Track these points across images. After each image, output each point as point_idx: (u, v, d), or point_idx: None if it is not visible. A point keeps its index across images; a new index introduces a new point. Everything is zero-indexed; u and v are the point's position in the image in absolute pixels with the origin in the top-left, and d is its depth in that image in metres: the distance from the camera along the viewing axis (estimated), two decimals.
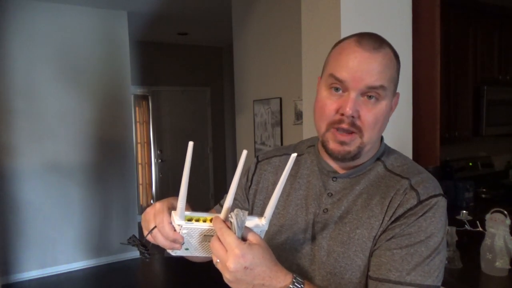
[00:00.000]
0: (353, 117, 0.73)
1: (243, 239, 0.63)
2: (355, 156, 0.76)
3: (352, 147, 0.75)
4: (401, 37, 1.67)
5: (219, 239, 0.63)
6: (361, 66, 0.72)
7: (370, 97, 0.73)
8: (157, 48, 5.60)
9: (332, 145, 0.76)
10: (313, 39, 1.69)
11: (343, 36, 1.32)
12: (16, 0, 3.69)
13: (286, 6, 2.79)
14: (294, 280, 0.65)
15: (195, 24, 4.72)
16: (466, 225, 1.68)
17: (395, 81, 0.78)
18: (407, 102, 1.70)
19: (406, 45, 1.68)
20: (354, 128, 0.74)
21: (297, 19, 1.93)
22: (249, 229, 0.65)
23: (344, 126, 0.74)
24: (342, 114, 0.73)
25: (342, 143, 0.75)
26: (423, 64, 1.72)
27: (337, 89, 0.75)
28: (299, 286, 0.65)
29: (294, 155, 0.65)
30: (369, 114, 0.73)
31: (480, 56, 2.75)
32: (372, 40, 0.74)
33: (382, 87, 0.73)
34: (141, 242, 0.72)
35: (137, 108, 5.64)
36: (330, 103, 0.75)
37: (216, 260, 0.64)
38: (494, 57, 2.86)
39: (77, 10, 3.95)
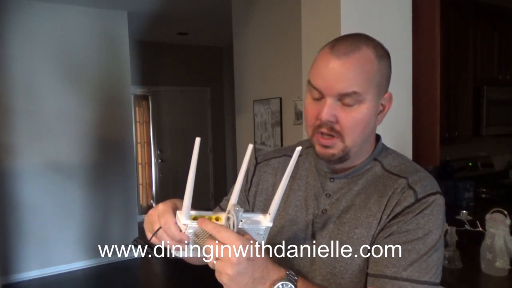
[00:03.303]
0: (331, 121, 0.74)
1: None
2: (341, 158, 0.78)
3: (335, 150, 0.77)
4: (401, 37, 1.67)
5: (213, 238, 0.63)
6: (331, 74, 0.73)
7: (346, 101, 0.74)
8: (157, 48, 5.60)
9: (318, 148, 0.79)
10: (313, 39, 1.69)
11: None
12: (16, 0, 3.69)
13: (286, 6, 2.79)
14: (287, 273, 0.67)
15: (195, 24, 4.72)
16: (466, 225, 1.68)
17: (377, 83, 0.75)
18: (407, 102, 1.70)
19: (406, 45, 1.68)
20: (334, 132, 0.75)
21: (297, 19, 1.93)
22: (242, 230, 0.66)
23: (324, 130, 0.75)
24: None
25: (325, 146, 0.77)
26: (423, 64, 1.72)
27: (316, 96, 0.76)
28: (294, 278, 0.67)
29: (299, 148, 0.66)
30: (347, 118, 0.74)
31: (480, 56, 2.75)
32: (346, 45, 0.74)
33: (355, 93, 0.72)
34: (146, 242, 0.72)
35: (137, 108, 5.64)
36: (311, 109, 0.77)
37: (213, 262, 0.64)
38: (494, 57, 2.86)
39: (77, 10, 3.95)
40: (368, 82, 0.73)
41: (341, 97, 0.73)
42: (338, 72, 0.72)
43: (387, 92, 0.79)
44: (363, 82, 0.73)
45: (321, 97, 0.75)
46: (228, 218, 0.64)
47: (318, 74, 0.75)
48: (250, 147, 0.64)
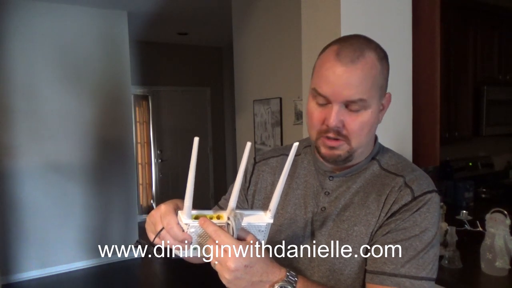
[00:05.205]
0: (339, 127, 0.75)
1: (239, 239, 0.65)
2: (346, 159, 0.79)
3: (341, 151, 0.78)
4: (401, 37, 1.67)
5: (214, 241, 0.64)
6: (339, 81, 0.73)
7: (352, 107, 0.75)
8: (157, 48, 5.61)
9: (323, 150, 0.79)
10: (313, 39, 1.69)
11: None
12: (16, 0, 3.69)
13: (286, 6, 2.79)
14: (288, 274, 0.67)
15: (195, 24, 4.72)
16: (466, 225, 1.68)
17: (380, 85, 0.77)
18: (407, 102, 1.70)
19: (406, 45, 1.68)
20: (341, 136, 0.76)
21: (297, 19, 1.93)
22: (244, 230, 0.67)
23: (331, 135, 0.76)
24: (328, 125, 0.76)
25: (331, 148, 0.78)
26: (423, 64, 1.72)
27: (322, 102, 0.77)
28: (293, 279, 0.67)
29: (296, 144, 0.67)
30: (353, 123, 0.75)
31: (480, 56, 2.75)
32: (351, 50, 0.73)
33: (361, 100, 0.73)
34: (149, 243, 0.72)
35: (137, 108, 5.64)
36: (316, 114, 0.78)
37: (214, 262, 0.65)
38: (494, 57, 2.85)
39: (77, 10, 3.95)
40: (373, 87, 0.75)
41: (347, 104, 0.74)
42: (345, 80, 0.72)
43: (387, 93, 0.81)
44: (369, 89, 0.74)
45: (327, 103, 0.76)
46: (228, 224, 0.65)
47: (324, 81, 0.74)
48: (248, 145, 0.63)
